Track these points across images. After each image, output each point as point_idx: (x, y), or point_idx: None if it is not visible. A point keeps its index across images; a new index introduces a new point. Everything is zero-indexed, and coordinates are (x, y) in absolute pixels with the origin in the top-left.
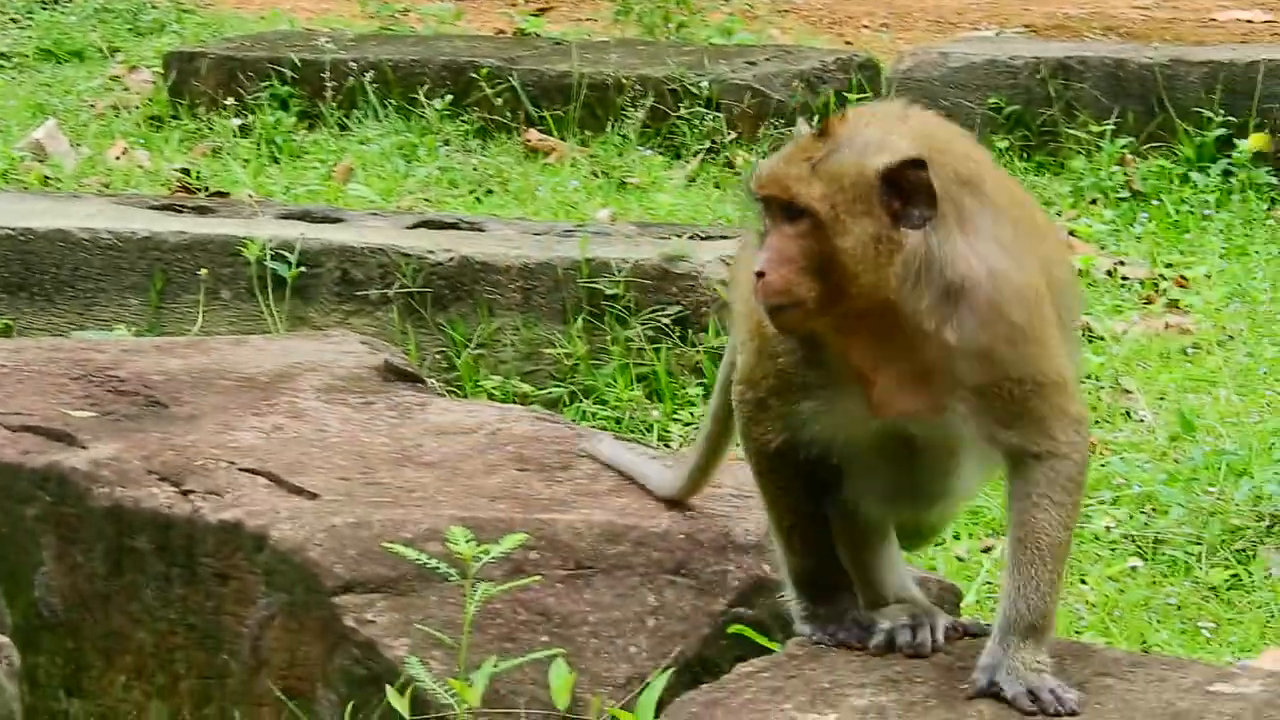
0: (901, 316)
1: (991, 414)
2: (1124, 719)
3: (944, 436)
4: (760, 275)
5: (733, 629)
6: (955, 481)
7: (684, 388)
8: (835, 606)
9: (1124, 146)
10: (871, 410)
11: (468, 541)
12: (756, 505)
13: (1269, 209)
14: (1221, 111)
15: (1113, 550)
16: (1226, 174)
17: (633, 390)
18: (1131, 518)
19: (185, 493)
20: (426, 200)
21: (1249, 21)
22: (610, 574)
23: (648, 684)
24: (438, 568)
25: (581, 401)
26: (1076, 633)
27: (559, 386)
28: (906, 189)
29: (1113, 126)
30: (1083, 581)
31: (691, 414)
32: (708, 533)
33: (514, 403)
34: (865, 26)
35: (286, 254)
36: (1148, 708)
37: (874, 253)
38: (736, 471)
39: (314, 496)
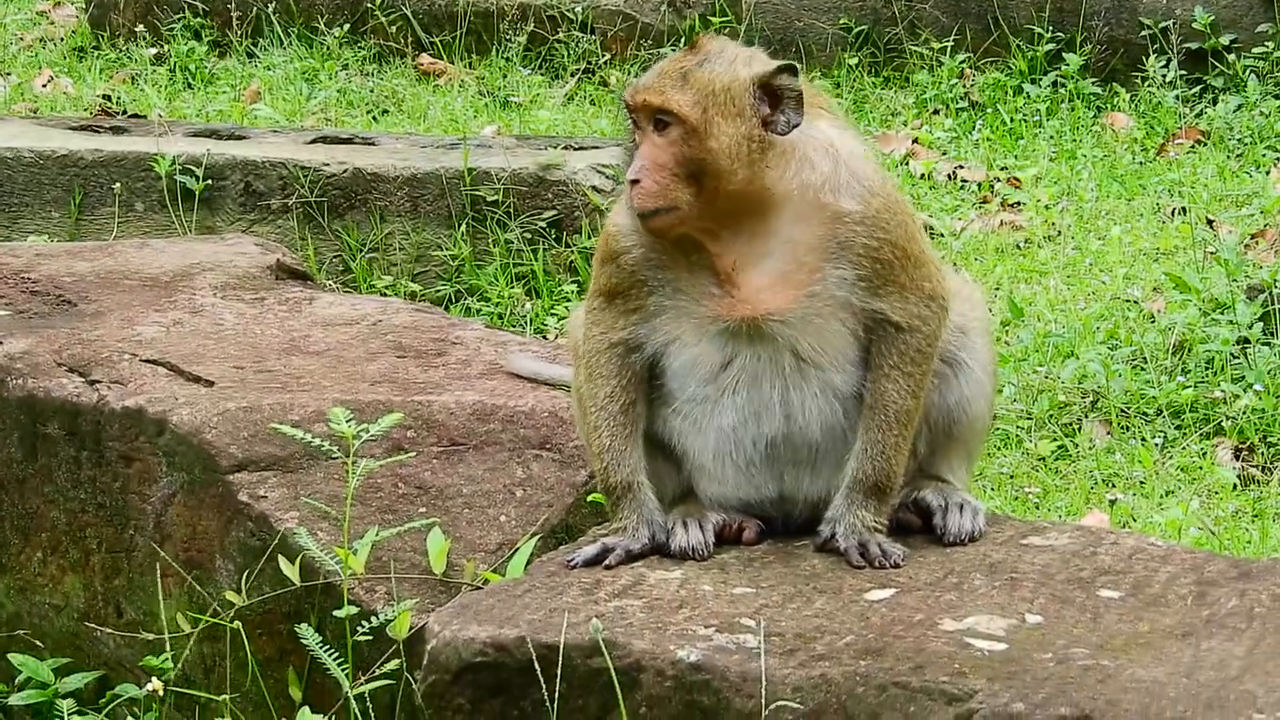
0: (780, 205)
1: (864, 282)
2: (945, 570)
3: (799, 342)
4: (635, 183)
5: (593, 497)
6: (804, 420)
7: (559, 285)
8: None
9: (963, 62)
10: (734, 310)
11: (348, 421)
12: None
13: (1095, 116)
14: (1051, 28)
15: None
16: (1056, 85)
17: (512, 288)
18: None
19: (92, 383)
20: (327, 120)
21: None
22: (481, 450)
23: (517, 549)
24: (321, 446)
25: (466, 299)
26: None
27: (446, 285)
28: (779, 94)
29: (952, 43)
30: None
31: (565, 309)
32: (569, 410)
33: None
34: None
35: (194, 169)
36: (966, 560)
37: (745, 151)
38: None
39: (210, 384)
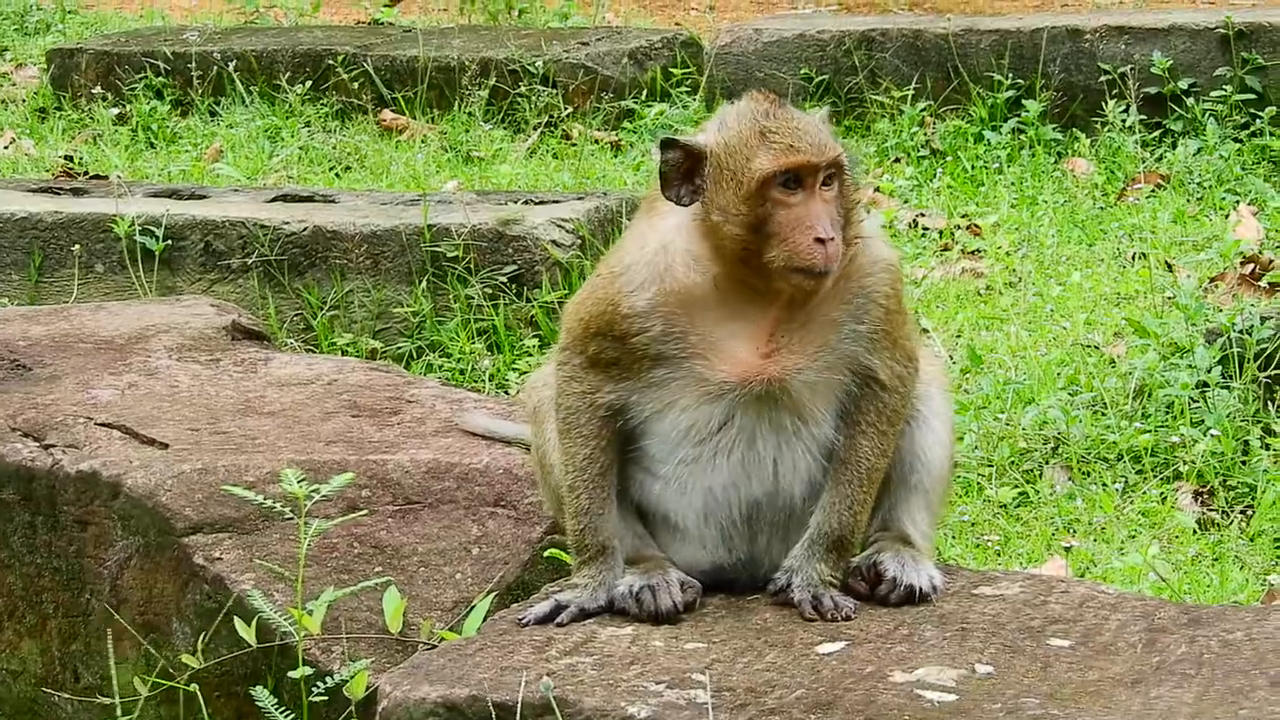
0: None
1: (874, 335)
2: (895, 622)
3: (803, 400)
4: (826, 241)
5: (550, 553)
6: (792, 478)
7: (520, 340)
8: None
9: (923, 110)
10: (762, 372)
11: (300, 482)
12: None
13: (1055, 162)
14: (1010, 75)
15: None
16: (1016, 132)
17: (474, 344)
18: None
19: (47, 447)
20: (289, 178)
21: None
22: (436, 508)
23: (473, 607)
24: (274, 507)
25: (428, 355)
26: None
27: (407, 342)
28: None
29: (912, 92)
30: None
31: (528, 363)
32: (524, 467)
33: (365, 358)
34: (693, 9)
35: (154, 229)
36: (917, 611)
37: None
38: None
39: (165, 446)
